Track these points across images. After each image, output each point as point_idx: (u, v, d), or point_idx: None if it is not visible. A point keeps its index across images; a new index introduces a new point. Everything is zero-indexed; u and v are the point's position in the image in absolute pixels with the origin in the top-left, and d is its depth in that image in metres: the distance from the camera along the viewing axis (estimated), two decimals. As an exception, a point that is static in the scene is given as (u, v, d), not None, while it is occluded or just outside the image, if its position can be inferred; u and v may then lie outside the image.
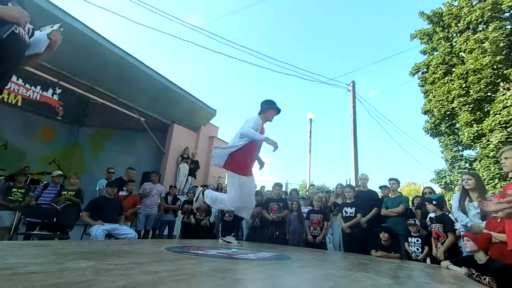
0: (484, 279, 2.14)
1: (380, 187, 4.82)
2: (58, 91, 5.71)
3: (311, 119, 12.82)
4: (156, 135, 7.70)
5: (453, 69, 12.49)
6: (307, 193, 7.81)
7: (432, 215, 3.55)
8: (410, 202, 4.60)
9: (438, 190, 11.72)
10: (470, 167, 11.89)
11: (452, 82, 12.09)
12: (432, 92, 13.16)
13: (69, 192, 4.43)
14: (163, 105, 7.42)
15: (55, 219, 4.11)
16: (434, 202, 3.40)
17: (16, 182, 4.66)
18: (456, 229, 3.36)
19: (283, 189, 7.03)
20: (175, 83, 7.34)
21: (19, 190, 4.53)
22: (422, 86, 13.98)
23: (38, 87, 5.35)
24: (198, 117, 8.59)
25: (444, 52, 12.74)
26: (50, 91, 5.56)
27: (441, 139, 13.14)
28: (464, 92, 11.59)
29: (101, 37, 5.48)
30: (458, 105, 11.67)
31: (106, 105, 6.59)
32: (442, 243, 3.11)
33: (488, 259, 2.22)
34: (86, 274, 0.98)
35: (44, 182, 5.28)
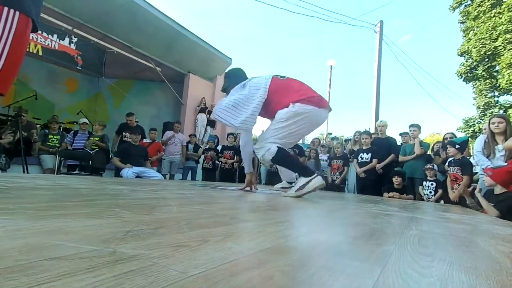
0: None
1: (401, 134, 4.71)
2: (74, 39, 5.70)
3: (331, 66, 12.11)
4: (173, 85, 7.72)
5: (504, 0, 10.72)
6: (324, 141, 7.85)
7: (451, 159, 3.50)
8: (430, 149, 4.51)
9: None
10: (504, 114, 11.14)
11: (500, 16, 10.50)
12: (474, 30, 11.65)
13: (95, 138, 4.78)
14: (178, 54, 7.25)
15: (90, 162, 4.54)
16: (457, 146, 3.27)
17: (50, 130, 5.07)
18: (476, 173, 3.33)
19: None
20: (189, 30, 7.02)
21: (55, 137, 4.95)
22: (463, 22, 12.36)
23: (55, 36, 5.36)
24: (213, 66, 8.36)
25: (496, -23, 10.81)
26: (67, 39, 5.56)
27: (475, 83, 12.10)
28: (512, 27, 10.14)
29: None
30: (503, 43, 10.33)
31: (122, 55, 6.57)
32: (460, 186, 3.12)
33: (504, 192, 2.24)
34: (124, 191, 1.14)
35: (74, 130, 5.69)
